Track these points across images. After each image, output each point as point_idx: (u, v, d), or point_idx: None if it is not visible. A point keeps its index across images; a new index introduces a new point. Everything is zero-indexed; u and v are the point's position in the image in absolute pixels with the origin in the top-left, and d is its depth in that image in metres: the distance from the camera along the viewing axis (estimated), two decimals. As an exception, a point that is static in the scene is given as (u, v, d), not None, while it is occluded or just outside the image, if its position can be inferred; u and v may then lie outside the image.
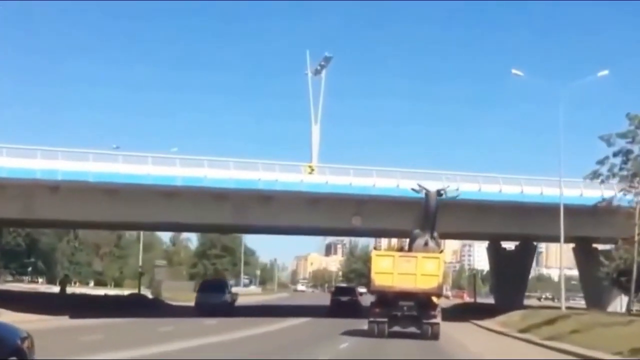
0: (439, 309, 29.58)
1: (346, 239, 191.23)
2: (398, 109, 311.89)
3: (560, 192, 40.91)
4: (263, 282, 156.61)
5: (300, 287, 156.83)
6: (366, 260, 37.39)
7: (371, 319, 29.31)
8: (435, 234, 31.92)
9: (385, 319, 28.81)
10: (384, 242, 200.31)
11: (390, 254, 32.50)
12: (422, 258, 29.17)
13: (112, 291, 72.93)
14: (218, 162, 40.47)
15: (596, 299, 50.92)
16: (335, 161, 47.14)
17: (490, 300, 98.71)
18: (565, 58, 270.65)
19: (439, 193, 32.38)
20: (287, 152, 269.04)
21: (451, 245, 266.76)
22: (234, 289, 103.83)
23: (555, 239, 54.31)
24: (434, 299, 29.52)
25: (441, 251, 32.27)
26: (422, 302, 28.73)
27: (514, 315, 44.24)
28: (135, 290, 66.01)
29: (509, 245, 61.88)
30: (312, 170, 44.34)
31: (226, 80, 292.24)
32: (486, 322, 43.91)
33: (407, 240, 34.10)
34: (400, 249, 36.92)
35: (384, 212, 43.90)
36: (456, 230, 46.38)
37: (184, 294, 70.99)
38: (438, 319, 29.02)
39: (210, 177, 39.03)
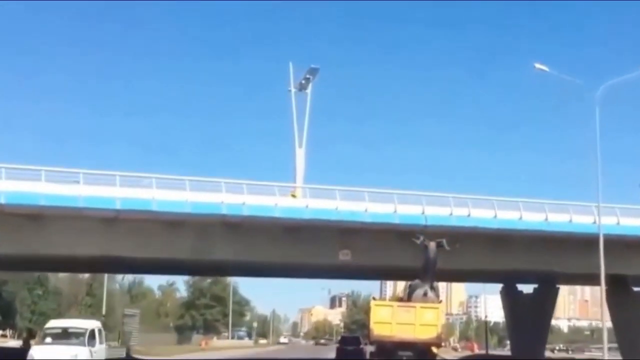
0: (435, 355, 29.75)
1: (349, 290, 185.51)
2: (397, 129, 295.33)
3: (598, 219, 33.06)
4: (263, 335, 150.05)
5: (282, 339, 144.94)
6: (367, 310, 33.06)
7: None
8: (435, 284, 31.80)
9: None
10: (389, 290, 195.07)
11: (389, 304, 32.42)
12: (421, 308, 29.29)
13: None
14: (169, 181, 32.58)
15: (634, 349, 42.88)
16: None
17: (502, 352, 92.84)
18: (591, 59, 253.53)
19: (438, 244, 31.62)
20: (266, 178, 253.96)
21: (458, 297, 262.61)
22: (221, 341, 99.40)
23: (582, 278, 46.72)
24: (433, 349, 29.50)
25: (440, 301, 31.77)
26: (420, 352, 28.69)
27: None
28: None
29: (526, 289, 54.19)
30: (295, 197, 36.66)
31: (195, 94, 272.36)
32: None
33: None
34: (399, 300, 35.81)
35: (379, 245, 36.17)
36: (467, 267, 38.43)
37: (160, 348, 64.66)
38: None
39: (159, 199, 31.25)
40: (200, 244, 33.32)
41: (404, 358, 28.69)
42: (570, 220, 37.39)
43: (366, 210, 34.49)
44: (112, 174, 31.33)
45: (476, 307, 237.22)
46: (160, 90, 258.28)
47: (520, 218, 36.70)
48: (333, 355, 48.02)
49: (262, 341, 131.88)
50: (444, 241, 31.68)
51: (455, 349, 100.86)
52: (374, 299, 35.21)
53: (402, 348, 28.67)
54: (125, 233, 31.82)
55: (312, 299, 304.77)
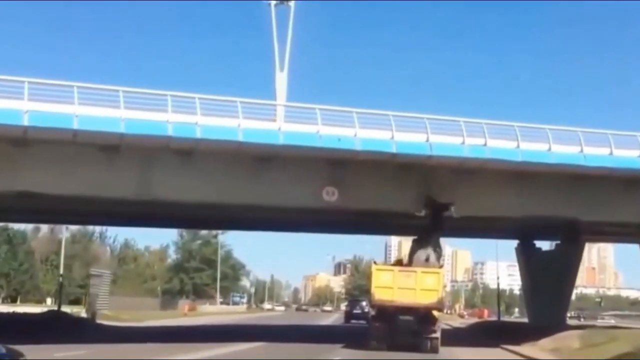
0: (438, 324, 29.65)
1: (352, 256, 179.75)
2: (395, 41, 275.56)
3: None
4: (262, 301, 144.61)
5: (267, 305, 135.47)
6: (369, 275, 30.38)
7: (371, 333, 29.59)
8: (439, 248, 31.62)
9: (385, 334, 28.61)
10: (393, 255, 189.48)
11: (390, 269, 31.41)
12: (422, 273, 29.25)
13: (24, 308, 58.24)
14: (95, 92, 24.86)
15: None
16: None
17: (514, 319, 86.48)
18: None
19: (446, 207, 29.84)
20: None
21: (463, 264, 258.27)
22: (210, 306, 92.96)
23: (616, 231, 39.43)
24: (435, 313, 29.61)
25: (441, 266, 31.97)
26: (421, 317, 28.60)
27: (569, 338, 30.27)
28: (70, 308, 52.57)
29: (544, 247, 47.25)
30: None
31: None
32: (525, 348, 30.54)
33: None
34: (400, 264, 33.36)
35: (372, 181, 29.00)
36: (480, 212, 31.22)
37: (134, 313, 58.69)
38: (437, 334, 28.92)
39: (81, 114, 23.82)
40: (142, 178, 26.10)
41: (405, 322, 28.40)
42: (611, 153, 29.97)
43: (355, 136, 27.08)
44: (20, 80, 23.80)
45: (482, 273, 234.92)
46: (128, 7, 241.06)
47: (549, 150, 29.28)
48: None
49: (268, 306, 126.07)
50: (453, 208, 29.75)
51: (461, 316, 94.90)
52: (375, 263, 33.41)
53: (402, 312, 28.46)
54: (38, 159, 24.56)
55: (317, 267, 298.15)
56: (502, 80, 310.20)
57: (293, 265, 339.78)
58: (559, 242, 44.91)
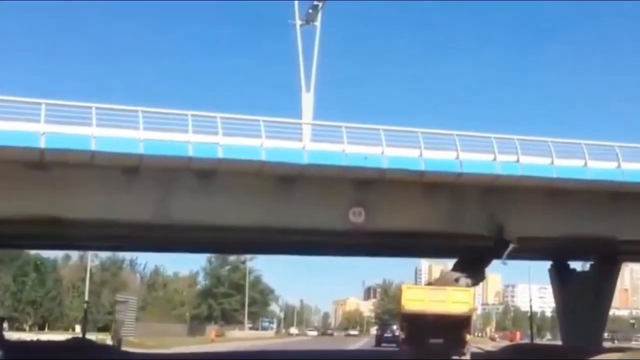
0: (468, 347, 29.71)
1: (381, 280, 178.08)
2: (421, 67, 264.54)
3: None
4: (291, 326, 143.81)
5: (294, 330, 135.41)
6: (399, 298, 32.32)
7: (400, 356, 29.92)
8: (478, 275, 31.94)
9: (415, 356, 28.54)
10: (423, 280, 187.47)
11: (421, 287, 35.01)
12: (452, 290, 29.59)
13: (51, 336, 57.54)
14: (113, 112, 24.13)
15: None
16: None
17: (546, 342, 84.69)
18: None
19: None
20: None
21: (494, 287, 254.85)
22: (239, 332, 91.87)
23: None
24: (465, 336, 29.60)
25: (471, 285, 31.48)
26: (452, 340, 28.41)
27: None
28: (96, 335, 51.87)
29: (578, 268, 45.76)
30: None
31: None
32: None
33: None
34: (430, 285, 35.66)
35: (399, 201, 27.97)
36: (513, 232, 30.04)
37: (162, 340, 57.53)
38: (467, 356, 28.96)
39: (99, 135, 23.12)
40: (161, 199, 25.33)
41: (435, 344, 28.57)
42: (648, 168, 28.77)
43: (383, 154, 26.13)
44: (37, 102, 23.21)
45: (513, 296, 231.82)
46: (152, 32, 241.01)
47: (585, 165, 28.15)
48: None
49: (294, 331, 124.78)
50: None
51: (493, 339, 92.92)
52: (403, 284, 35.97)
53: (432, 335, 28.46)
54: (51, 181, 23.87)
55: (347, 291, 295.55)
56: (535, 95, 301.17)
57: (323, 290, 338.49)
58: (593, 262, 43.46)
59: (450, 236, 31.54)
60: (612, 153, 28.67)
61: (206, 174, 25.18)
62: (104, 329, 74.49)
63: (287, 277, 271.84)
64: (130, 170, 24.39)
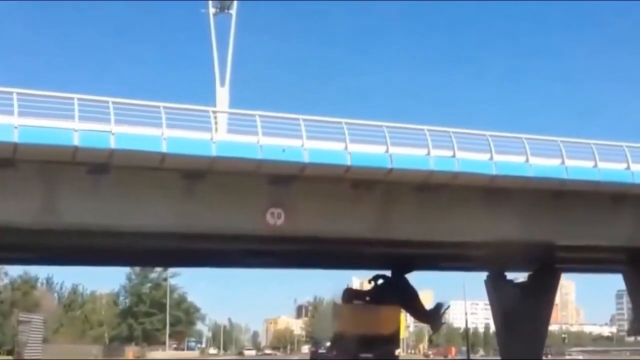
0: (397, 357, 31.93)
1: (312, 297, 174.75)
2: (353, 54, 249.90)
3: None
4: (223, 346, 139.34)
5: (212, 350, 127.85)
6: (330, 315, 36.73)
7: None
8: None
9: None
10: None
11: (351, 306, 32.54)
12: (381, 309, 30.85)
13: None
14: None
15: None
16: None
17: (481, 358, 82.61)
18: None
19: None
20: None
21: (426, 303, 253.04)
22: (161, 352, 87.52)
23: (599, 258, 35.61)
24: (396, 352, 32.02)
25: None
26: (382, 354, 29.61)
27: None
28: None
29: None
30: None
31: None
32: None
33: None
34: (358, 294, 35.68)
35: (323, 202, 24.84)
36: (443, 237, 27.66)
37: None
38: None
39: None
40: (44, 200, 21.65)
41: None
42: (595, 166, 26.31)
43: (303, 147, 22.95)
44: None
45: (444, 313, 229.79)
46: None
47: (527, 161, 25.51)
48: None
49: (213, 351, 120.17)
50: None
51: (426, 356, 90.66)
52: (335, 302, 35.14)
53: (363, 349, 29.17)
54: None
55: (279, 310, 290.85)
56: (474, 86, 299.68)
57: (254, 309, 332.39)
58: (531, 273, 41.04)
59: (379, 243, 28.71)
60: (556, 149, 26.14)
61: (97, 168, 21.54)
62: (12, 352, 69.29)
63: (215, 296, 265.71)
64: (3, 162, 20.61)
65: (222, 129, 23.66)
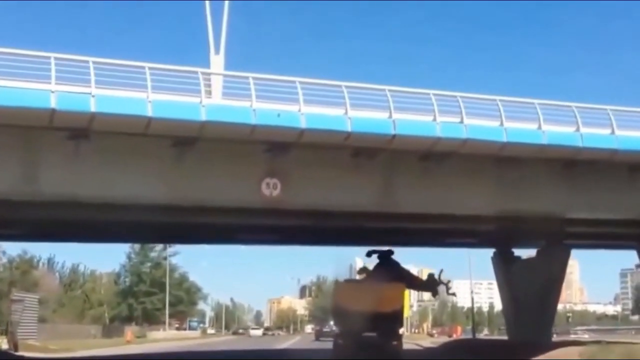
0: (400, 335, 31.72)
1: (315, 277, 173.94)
2: (349, 16, 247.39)
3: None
4: (227, 327, 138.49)
5: (210, 330, 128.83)
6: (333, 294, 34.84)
7: (335, 351, 29.94)
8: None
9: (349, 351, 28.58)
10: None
11: (353, 284, 33.10)
12: (384, 286, 29.98)
13: None
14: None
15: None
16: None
17: (485, 337, 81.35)
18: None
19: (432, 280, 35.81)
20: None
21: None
22: (161, 332, 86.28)
23: (611, 228, 34.03)
24: (398, 329, 31.54)
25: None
26: (385, 334, 29.14)
27: (566, 354, 25.73)
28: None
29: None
30: None
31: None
32: None
33: None
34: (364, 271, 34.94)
35: (322, 171, 23.29)
36: (448, 210, 26.19)
37: (69, 342, 52.86)
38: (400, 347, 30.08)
39: None
40: (24, 168, 20.13)
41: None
42: (613, 133, 24.73)
43: (300, 112, 21.36)
44: None
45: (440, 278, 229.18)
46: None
47: (539, 128, 23.90)
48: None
49: (211, 331, 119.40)
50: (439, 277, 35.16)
51: (430, 335, 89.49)
52: (337, 281, 34.26)
53: (365, 328, 28.50)
54: None
55: (283, 290, 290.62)
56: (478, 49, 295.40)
57: (257, 290, 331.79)
58: (540, 248, 39.56)
59: (382, 216, 27.23)
60: (570, 115, 24.47)
61: (78, 134, 19.99)
62: (5, 332, 68.26)
63: (218, 276, 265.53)
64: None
65: (217, 94, 22.07)
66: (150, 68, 20.02)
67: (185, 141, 21.14)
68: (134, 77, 20.02)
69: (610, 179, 26.23)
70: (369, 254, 34.20)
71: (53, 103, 18.74)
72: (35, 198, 21.26)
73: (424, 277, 38.03)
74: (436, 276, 36.25)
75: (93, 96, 19.06)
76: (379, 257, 33.80)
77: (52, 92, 18.75)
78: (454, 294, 38.26)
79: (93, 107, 19.08)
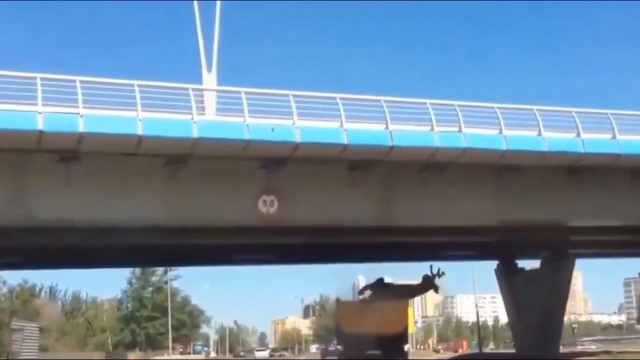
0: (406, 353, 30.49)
1: (318, 296, 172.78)
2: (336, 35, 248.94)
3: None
4: (230, 348, 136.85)
5: (213, 354, 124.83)
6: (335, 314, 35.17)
7: None
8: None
9: None
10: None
11: (356, 304, 32.15)
12: (387, 307, 29.49)
13: None
14: None
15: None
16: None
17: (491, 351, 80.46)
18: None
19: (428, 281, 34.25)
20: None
21: (432, 299, 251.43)
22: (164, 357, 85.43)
23: (616, 236, 33.44)
24: (405, 347, 30.41)
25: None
26: (389, 351, 28.39)
27: None
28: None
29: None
30: None
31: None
32: None
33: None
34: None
35: (318, 186, 22.81)
36: (448, 222, 25.60)
37: None
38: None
39: None
40: (14, 191, 19.61)
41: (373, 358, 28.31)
42: (614, 138, 24.24)
43: (294, 125, 20.89)
44: None
45: (452, 307, 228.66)
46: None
47: (539, 134, 23.42)
48: None
49: (213, 354, 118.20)
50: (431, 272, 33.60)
51: (436, 351, 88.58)
52: (338, 300, 34.76)
53: (370, 347, 27.99)
54: None
55: (286, 311, 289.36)
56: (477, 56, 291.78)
57: (261, 311, 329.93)
58: (543, 259, 38.91)
59: (381, 231, 26.68)
60: (570, 121, 24.00)
61: (68, 156, 19.49)
62: (9, 362, 67.44)
63: (220, 298, 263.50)
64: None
65: (210, 111, 21.62)
66: (139, 86, 19.59)
67: (178, 159, 20.66)
68: (123, 95, 19.55)
69: (613, 185, 25.74)
70: (361, 292, 34.58)
71: (40, 124, 18.29)
72: (26, 223, 20.72)
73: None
74: (429, 273, 35.45)
75: (81, 116, 18.63)
76: (373, 286, 33.72)
77: (39, 113, 18.31)
78: (443, 274, 36.02)
79: (82, 127, 18.64)
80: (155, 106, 19.80)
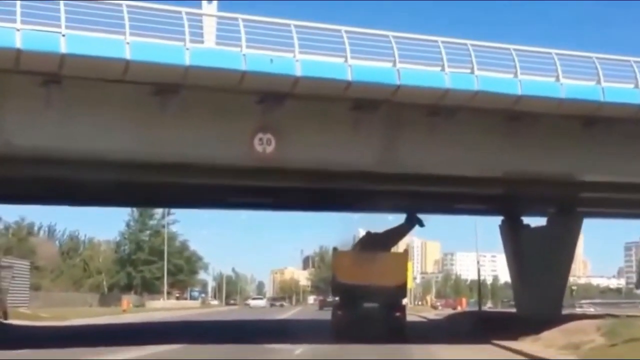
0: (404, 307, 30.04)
1: (318, 247, 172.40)
2: None
3: None
4: (228, 296, 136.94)
5: (213, 302, 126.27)
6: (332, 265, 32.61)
7: (334, 323, 28.88)
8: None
9: (349, 323, 27.38)
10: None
11: (353, 254, 30.65)
12: (386, 256, 29.20)
13: None
14: None
15: None
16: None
17: (489, 309, 79.79)
18: None
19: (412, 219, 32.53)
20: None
21: (432, 255, 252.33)
22: (160, 302, 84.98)
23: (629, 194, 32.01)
24: (403, 301, 30.31)
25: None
26: (387, 304, 27.70)
27: (583, 331, 22.98)
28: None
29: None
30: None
31: None
32: (526, 345, 23.52)
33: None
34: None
35: (319, 126, 21.40)
36: (454, 171, 24.30)
37: (61, 311, 51.51)
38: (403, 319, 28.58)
39: None
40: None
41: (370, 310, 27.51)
42: (637, 87, 22.68)
43: (295, 58, 19.37)
44: None
45: (452, 264, 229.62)
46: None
47: (557, 80, 21.88)
48: None
49: (215, 302, 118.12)
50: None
51: (434, 307, 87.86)
52: (335, 249, 32.09)
53: (367, 299, 27.42)
54: None
55: (286, 262, 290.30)
56: None
57: (261, 262, 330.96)
58: (550, 216, 37.61)
59: (385, 178, 25.34)
60: (591, 67, 22.42)
61: (48, 78, 18.04)
62: (3, 299, 66.95)
63: (219, 246, 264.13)
64: None
65: (210, 40, 20.03)
66: (128, 6, 17.99)
67: (168, 89, 19.20)
68: (111, 16, 17.99)
69: (631, 138, 24.27)
70: (353, 248, 33.15)
71: (18, 43, 16.80)
72: (3, 150, 19.32)
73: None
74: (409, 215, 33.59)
75: (63, 35, 17.13)
76: (362, 241, 33.09)
77: (18, 30, 16.79)
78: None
79: (63, 48, 17.15)
80: (145, 29, 18.24)
